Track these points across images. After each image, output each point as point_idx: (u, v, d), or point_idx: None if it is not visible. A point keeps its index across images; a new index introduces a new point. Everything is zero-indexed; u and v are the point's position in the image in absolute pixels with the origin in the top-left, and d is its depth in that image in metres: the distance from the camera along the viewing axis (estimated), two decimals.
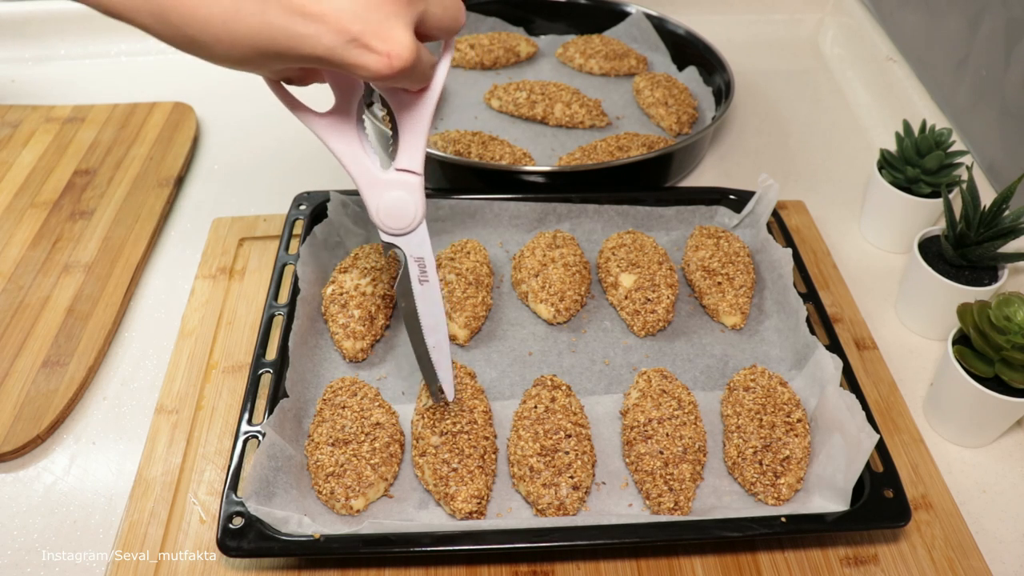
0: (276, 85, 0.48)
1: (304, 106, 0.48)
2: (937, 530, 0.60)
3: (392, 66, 0.40)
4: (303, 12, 0.38)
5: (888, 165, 0.81)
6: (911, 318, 0.76)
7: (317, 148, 0.97)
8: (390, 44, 0.39)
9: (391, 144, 0.50)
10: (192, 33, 0.38)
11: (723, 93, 0.95)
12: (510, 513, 0.60)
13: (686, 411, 0.63)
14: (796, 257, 0.75)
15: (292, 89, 0.49)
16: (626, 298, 0.74)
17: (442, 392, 0.59)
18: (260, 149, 0.97)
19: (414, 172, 0.50)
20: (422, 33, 0.43)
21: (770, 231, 0.79)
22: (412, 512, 0.59)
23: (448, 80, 1.00)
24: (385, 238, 0.52)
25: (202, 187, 0.91)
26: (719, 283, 0.74)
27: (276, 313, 0.70)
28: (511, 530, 0.56)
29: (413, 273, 0.53)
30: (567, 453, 0.60)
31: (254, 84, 1.16)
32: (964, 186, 0.69)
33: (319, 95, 0.52)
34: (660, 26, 1.07)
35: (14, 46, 1.10)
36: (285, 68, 0.43)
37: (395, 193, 0.50)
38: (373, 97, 0.93)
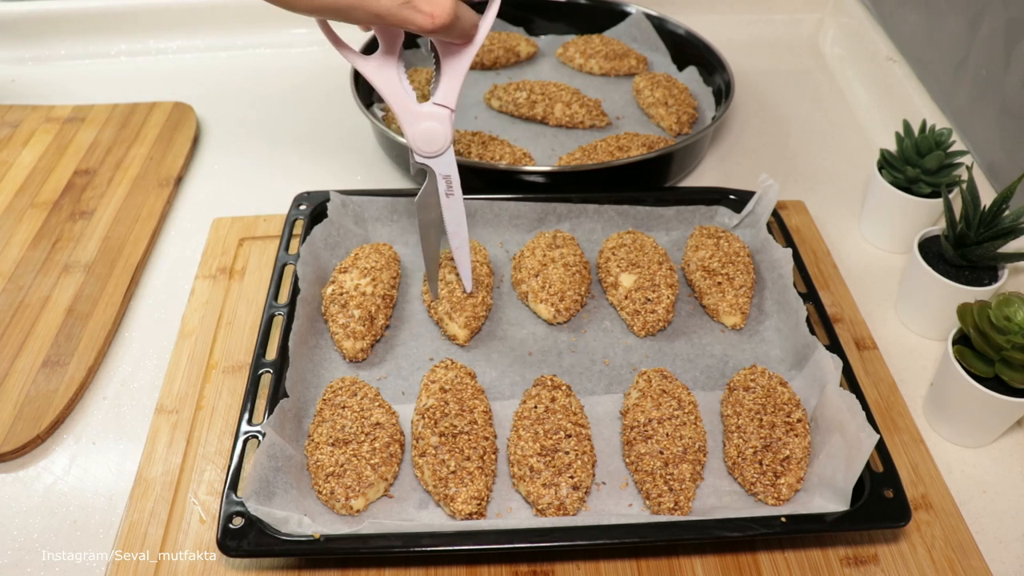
0: (334, 37, 0.56)
1: (355, 51, 0.57)
2: (937, 530, 0.60)
3: (435, 24, 0.50)
4: None
5: (888, 165, 0.81)
6: (911, 318, 0.76)
7: (317, 148, 0.97)
8: (433, 6, 0.49)
9: (433, 81, 0.59)
10: None
11: (723, 93, 0.95)
12: (510, 513, 0.60)
13: (686, 411, 0.63)
14: (796, 257, 0.75)
15: (343, 36, 0.58)
16: (626, 298, 0.74)
17: (459, 287, 0.70)
18: (260, 149, 0.97)
19: (447, 107, 0.59)
20: None
21: (770, 231, 0.79)
22: (412, 512, 0.59)
23: None
24: (419, 160, 0.62)
25: (202, 187, 0.91)
26: (719, 283, 0.74)
27: (276, 313, 0.70)
28: (511, 530, 0.56)
29: (441, 188, 0.63)
30: (567, 453, 0.60)
31: (254, 84, 1.16)
32: (964, 186, 0.69)
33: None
34: (660, 26, 1.07)
35: (14, 46, 1.10)
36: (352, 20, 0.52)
37: (429, 123, 0.59)
38: (373, 97, 0.96)
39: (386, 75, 0.58)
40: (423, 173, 0.64)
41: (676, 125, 0.93)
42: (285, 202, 0.81)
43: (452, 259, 0.73)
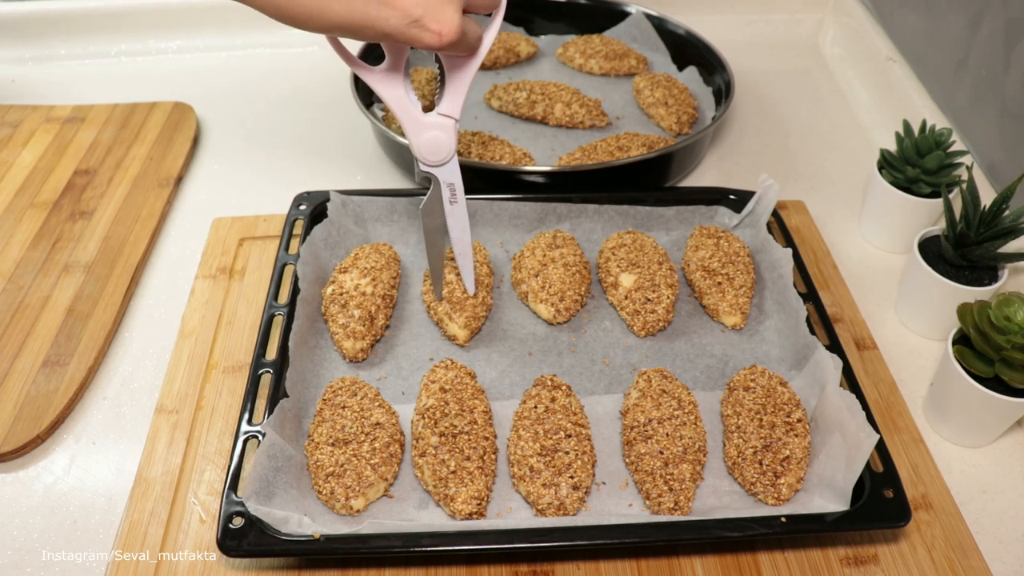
0: (342, 50, 0.58)
1: (363, 64, 0.59)
2: (937, 530, 0.60)
3: (442, 41, 0.51)
4: (378, 0, 0.49)
5: (888, 165, 0.81)
6: (911, 318, 0.76)
7: (317, 148, 0.97)
8: (441, 24, 0.50)
9: (438, 91, 0.60)
10: (293, 14, 0.50)
11: (723, 93, 0.95)
12: (510, 513, 0.60)
13: (686, 411, 0.63)
14: (796, 257, 0.75)
15: (351, 49, 0.60)
16: (626, 298, 0.74)
17: (461, 288, 0.72)
18: (260, 149, 0.97)
19: (452, 117, 0.60)
20: (469, 11, 0.55)
21: (770, 231, 0.79)
22: (412, 512, 0.59)
23: None
24: (424, 168, 0.63)
25: (202, 187, 0.91)
26: (719, 283, 0.74)
27: (276, 313, 0.70)
28: (511, 530, 0.56)
29: (445, 195, 0.65)
30: (567, 453, 0.60)
31: (254, 84, 1.16)
32: (964, 186, 0.69)
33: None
34: (660, 26, 1.07)
35: (14, 46, 1.10)
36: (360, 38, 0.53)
37: (434, 133, 0.61)
38: (373, 98, 0.96)
39: (393, 87, 0.59)
40: (428, 180, 0.64)
41: (676, 125, 0.93)
42: (285, 202, 0.81)
43: (452, 259, 0.74)
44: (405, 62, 0.59)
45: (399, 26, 0.50)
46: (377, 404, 0.64)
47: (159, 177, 0.89)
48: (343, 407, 0.63)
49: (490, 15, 0.59)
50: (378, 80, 0.59)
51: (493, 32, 0.58)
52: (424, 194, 0.65)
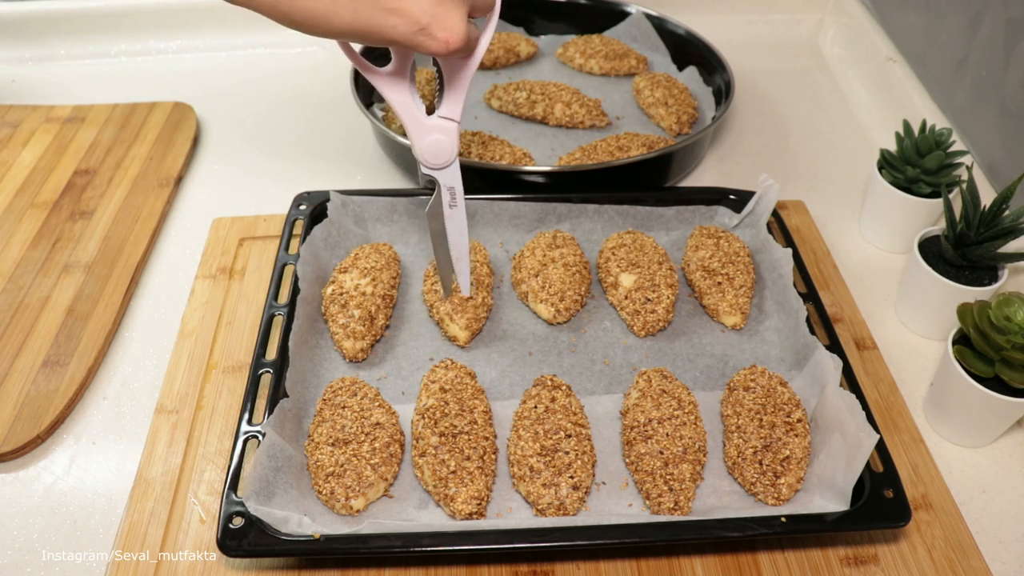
0: (349, 50, 0.58)
1: (369, 65, 0.58)
2: (937, 530, 0.60)
3: (449, 49, 0.51)
4: (385, 8, 0.49)
5: (888, 165, 0.81)
6: (911, 318, 0.76)
7: (317, 148, 0.97)
8: (448, 32, 0.50)
9: (437, 94, 0.61)
10: (298, 19, 0.50)
11: (723, 93, 0.95)
12: (510, 513, 0.60)
13: (686, 411, 0.63)
14: (796, 257, 0.75)
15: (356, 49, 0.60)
16: (626, 298, 0.74)
17: (457, 290, 0.72)
18: (260, 149, 0.97)
19: (453, 120, 0.60)
20: (469, 15, 0.55)
21: (770, 231, 0.79)
22: (412, 512, 0.59)
23: None
24: (425, 171, 0.63)
25: (202, 187, 0.91)
26: (719, 283, 0.74)
27: (276, 313, 0.70)
28: (511, 530, 0.56)
29: (445, 199, 0.65)
30: (567, 453, 0.60)
31: (254, 84, 1.16)
32: (964, 186, 0.69)
33: None
34: (660, 26, 1.07)
35: (14, 46, 1.10)
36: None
37: (436, 136, 0.61)
38: (373, 97, 0.96)
39: (398, 91, 0.59)
40: (433, 182, 0.64)
41: (676, 125, 0.93)
42: (285, 202, 0.81)
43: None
44: (411, 65, 0.59)
45: (406, 33, 0.50)
46: (377, 404, 0.64)
47: (159, 177, 0.89)
48: (343, 407, 0.63)
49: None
50: (384, 83, 0.59)
51: (489, 33, 0.58)
52: (427, 195, 0.65)
